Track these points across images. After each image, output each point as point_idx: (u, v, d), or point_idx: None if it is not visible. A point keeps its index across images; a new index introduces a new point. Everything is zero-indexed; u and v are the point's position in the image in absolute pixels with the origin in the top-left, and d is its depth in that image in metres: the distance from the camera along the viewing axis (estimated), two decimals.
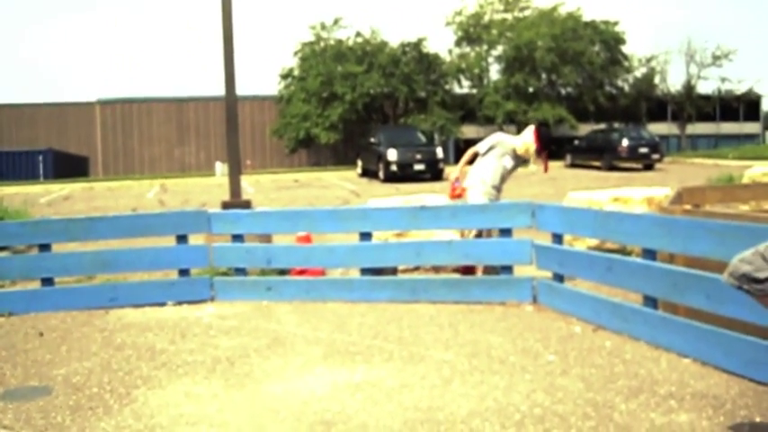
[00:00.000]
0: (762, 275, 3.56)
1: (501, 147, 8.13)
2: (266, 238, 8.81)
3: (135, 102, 44.40)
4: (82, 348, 6.19)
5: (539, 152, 8.13)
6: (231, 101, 10.29)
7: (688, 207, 6.97)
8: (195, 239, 8.26)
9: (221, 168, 33.41)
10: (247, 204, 9.97)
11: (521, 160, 8.27)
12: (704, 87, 49.86)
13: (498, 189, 8.14)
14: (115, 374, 5.47)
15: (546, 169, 8.47)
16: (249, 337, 6.41)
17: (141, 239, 8.33)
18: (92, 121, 44.44)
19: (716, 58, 47.70)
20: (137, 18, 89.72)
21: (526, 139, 8.07)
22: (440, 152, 29.77)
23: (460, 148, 44.85)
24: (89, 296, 7.73)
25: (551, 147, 8.42)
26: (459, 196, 8.14)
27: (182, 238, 7.90)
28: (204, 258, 7.98)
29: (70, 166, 39.53)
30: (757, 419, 4.24)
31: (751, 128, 54.42)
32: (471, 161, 8.23)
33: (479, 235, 7.76)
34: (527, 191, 17.86)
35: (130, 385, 5.23)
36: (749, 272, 3.59)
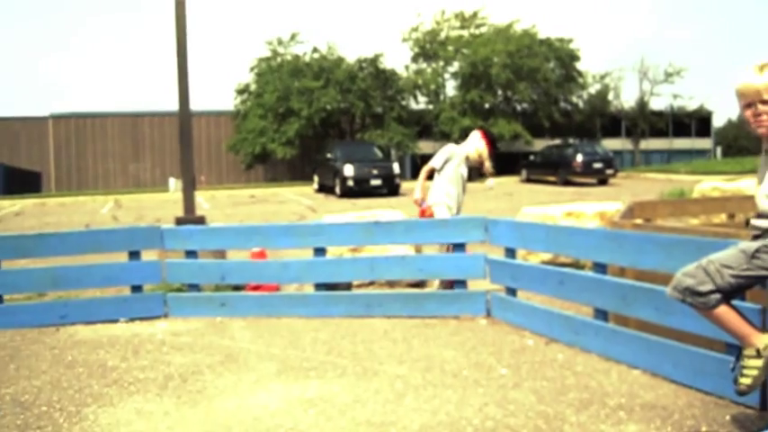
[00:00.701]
0: (704, 289, 3.63)
1: (455, 157, 8.20)
2: (220, 254, 8.76)
3: (89, 116, 43.97)
4: (31, 366, 6.09)
5: (491, 154, 8.29)
6: (185, 116, 10.23)
7: (639, 221, 7.08)
8: (148, 255, 8.18)
9: (175, 184, 33.18)
10: (201, 220, 9.91)
11: (473, 167, 8.39)
12: (657, 104, 50.93)
13: (461, 200, 8.25)
14: (65, 392, 5.39)
15: (491, 173, 8.53)
16: (202, 353, 6.36)
17: (93, 256, 8.23)
18: (44, 137, 43.88)
19: (668, 75, 48.62)
20: (91, 32, 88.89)
21: (477, 145, 8.17)
22: (396, 168, 29.90)
23: (417, 164, 45.05)
24: (39, 313, 7.61)
25: (497, 148, 8.61)
26: (430, 216, 8.15)
27: (134, 255, 7.83)
28: (157, 274, 7.92)
29: (22, 182, 39.00)
30: (703, 429, 4.30)
31: (702, 143, 55.43)
32: (429, 177, 8.27)
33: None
34: (483, 205, 17.96)
35: (81, 403, 5.15)
36: (692, 285, 3.66)
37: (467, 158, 8.24)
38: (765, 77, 3.58)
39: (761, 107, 3.61)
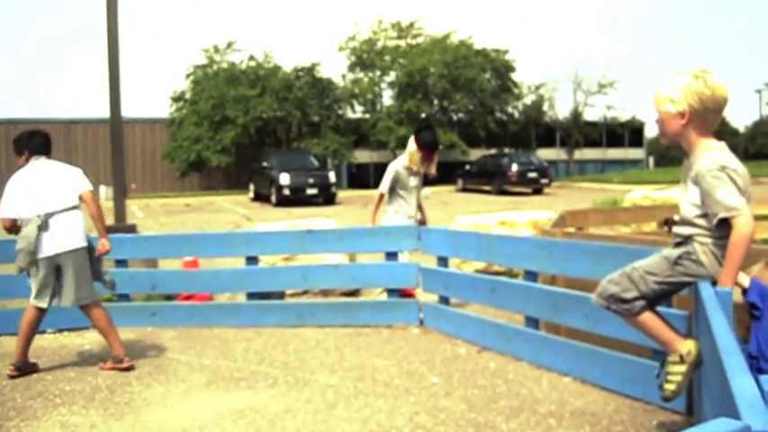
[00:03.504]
0: (628, 296, 3.67)
1: (398, 173, 7.94)
2: (152, 263, 8.63)
3: (20, 123, 42.96)
4: None
5: (426, 156, 7.91)
6: (116, 123, 10.07)
7: (570, 230, 7.16)
8: None
9: (105, 192, 32.64)
10: (132, 229, 9.75)
11: (420, 172, 8.03)
12: (591, 114, 51.66)
13: (415, 212, 8.03)
14: None
15: (434, 171, 8.15)
16: (131, 364, 6.24)
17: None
18: None
19: (601, 86, 49.42)
20: (27, 37, 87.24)
21: (410, 150, 7.91)
22: (332, 176, 29.86)
23: (353, 173, 45.18)
24: None
25: (437, 145, 8.09)
26: None
27: None
28: None
29: None
30: None
31: (635, 153, 56.43)
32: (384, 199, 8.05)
33: None
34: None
35: (2, 417, 5.02)
36: (616, 292, 3.70)
37: (408, 169, 7.94)
38: (662, 89, 3.66)
39: (657, 117, 3.72)
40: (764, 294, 3.48)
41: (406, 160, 7.96)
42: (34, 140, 6.32)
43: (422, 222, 8.15)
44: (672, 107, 3.62)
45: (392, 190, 7.97)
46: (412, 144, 7.90)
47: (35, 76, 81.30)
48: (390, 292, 7.46)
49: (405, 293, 7.64)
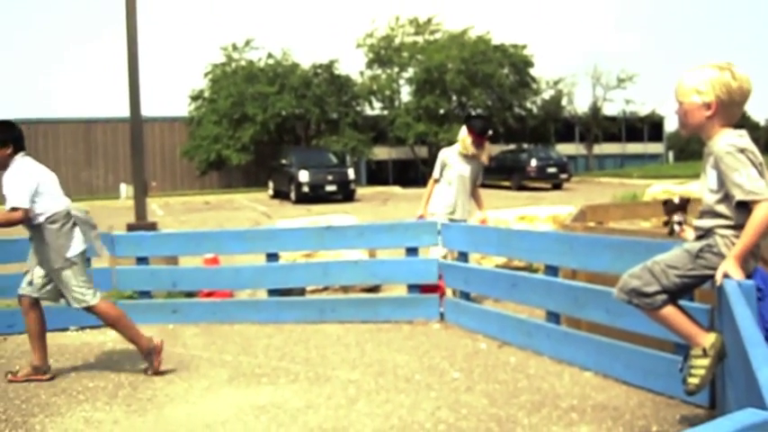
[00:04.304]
0: (650, 290, 3.66)
1: (450, 159, 7.87)
2: (172, 261, 8.67)
3: (41, 123, 43.26)
4: None
5: (477, 143, 7.80)
6: (136, 122, 10.13)
7: (590, 224, 7.13)
8: (98, 262, 8.06)
9: (126, 190, 32.80)
10: (153, 226, 9.81)
11: (474, 159, 7.92)
12: (610, 109, 51.40)
13: (465, 203, 7.94)
14: (11, 403, 5.28)
15: (485, 159, 8.05)
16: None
17: None
18: None
19: (620, 80, 49.18)
20: (45, 36, 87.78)
21: (461, 136, 7.84)
22: (351, 173, 29.92)
23: (372, 169, 45.17)
24: None
25: (489, 131, 8.00)
26: None
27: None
28: (107, 281, 7.80)
29: None
30: (654, 428, 4.34)
31: (655, 148, 56.14)
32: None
33: None
34: None
35: (27, 413, 5.05)
36: (638, 286, 3.69)
37: (461, 156, 7.87)
38: (686, 80, 3.65)
39: (678, 108, 3.70)
40: (765, 277, 3.47)
41: (460, 148, 7.87)
42: (17, 133, 5.87)
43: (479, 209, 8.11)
44: (698, 98, 3.60)
45: (441, 177, 7.90)
46: (464, 131, 7.86)
47: (53, 75, 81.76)
48: (411, 287, 7.46)
49: (430, 289, 7.53)
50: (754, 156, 3.46)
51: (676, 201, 4.26)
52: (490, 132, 8.03)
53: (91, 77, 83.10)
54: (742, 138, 3.54)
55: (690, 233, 4.05)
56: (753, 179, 3.39)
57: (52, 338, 7.18)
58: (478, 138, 7.81)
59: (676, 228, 4.16)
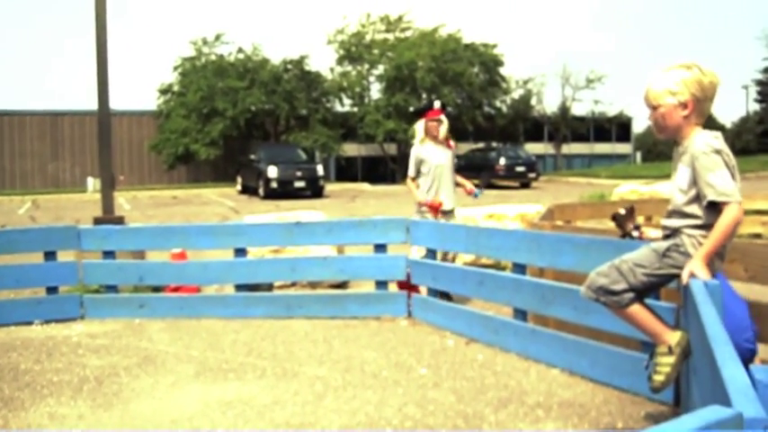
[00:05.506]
0: (617, 288, 3.69)
1: (423, 153, 7.79)
2: (140, 255, 8.60)
3: (6, 115, 42.72)
4: None
5: (436, 120, 7.74)
6: (104, 115, 10.02)
7: (559, 223, 7.17)
8: (65, 256, 7.99)
9: (93, 184, 32.51)
10: (120, 220, 9.72)
11: (444, 147, 7.87)
12: (579, 109, 51.72)
13: (451, 192, 7.87)
14: None
15: (443, 133, 7.87)
16: (119, 355, 6.23)
17: (7, 257, 7.98)
18: None
19: (589, 81, 49.47)
20: (11, 29, 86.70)
21: (419, 128, 7.83)
22: (320, 169, 29.86)
23: (341, 166, 45.10)
24: None
25: (437, 102, 7.98)
26: (440, 206, 7.71)
27: (50, 255, 7.63)
28: (73, 275, 7.74)
29: None
30: (619, 425, 4.38)
31: (623, 148, 56.58)
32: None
33: None
34: (406, 208, 17.98)
35: None
36: (605, 284, 3.72)
37: (433, 146, 7.78)
38: (656, 84, 3.67)
39: (652, 112, 3.73)
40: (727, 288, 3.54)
41: (423, 135, 7.83)
42: None
43: (468, 192, 8.13)
44: (673, 99, 3.63)
45: (419, 173, 7.83)
46: (420, 123, 7.83)
47: (22, 67, 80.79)
48: (379, 284, 7.46)
49: (406, 286, 7.51)
50: (728, 158, 3.50)
51: (623, 211, 4.30)
52: (438, 104, 8.03)
53: (59, 70, 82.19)
54: (717, 139, 3.57)
55: (651, 232, 4.10)
56: (725, 181, 3.43)
57: (17, 332, 7.14)
58: (434, 113, 7.80)
59: (635, 234, 4.21)
